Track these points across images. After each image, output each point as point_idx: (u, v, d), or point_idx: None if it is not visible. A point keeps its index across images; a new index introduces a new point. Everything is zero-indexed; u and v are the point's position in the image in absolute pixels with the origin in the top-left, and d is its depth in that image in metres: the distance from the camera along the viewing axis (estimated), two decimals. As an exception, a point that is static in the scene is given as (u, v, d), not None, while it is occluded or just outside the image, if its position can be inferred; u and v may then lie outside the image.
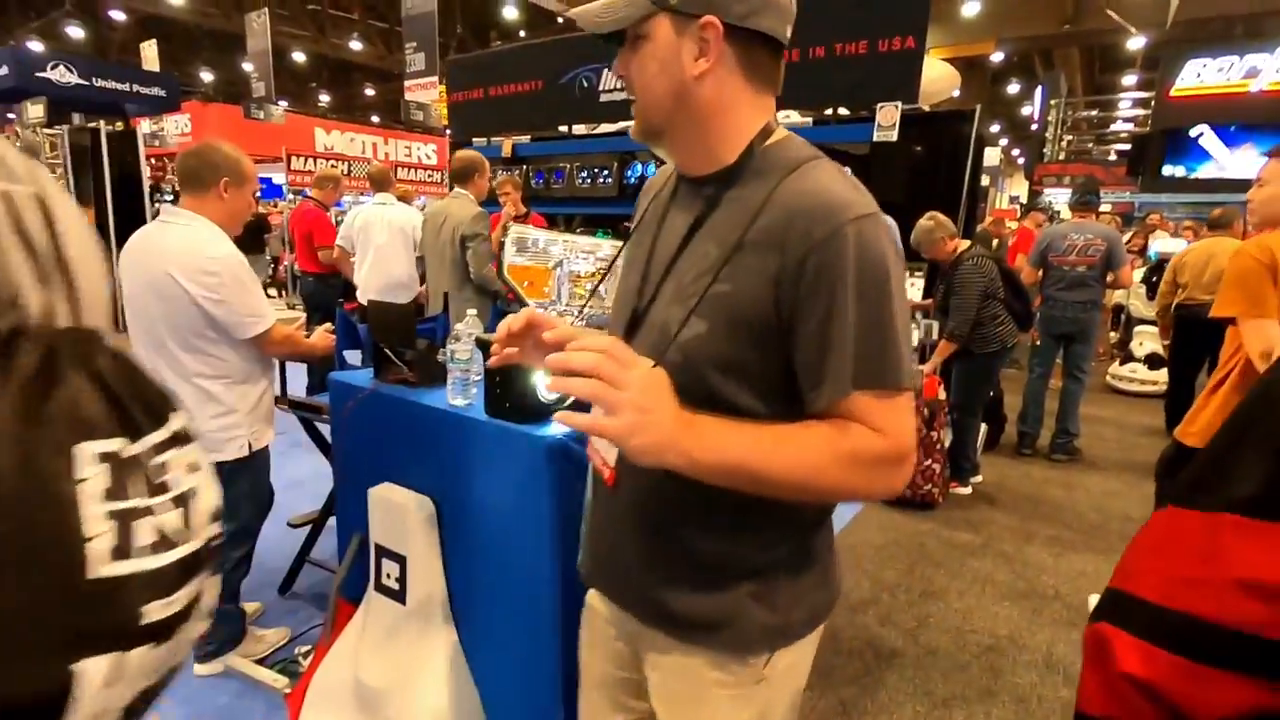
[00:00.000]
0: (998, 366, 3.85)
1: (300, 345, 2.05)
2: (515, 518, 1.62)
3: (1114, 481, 4.10)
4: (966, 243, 3.72)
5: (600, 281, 2.11)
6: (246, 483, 1.99)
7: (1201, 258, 4.36)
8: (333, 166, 9.45)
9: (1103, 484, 4.06)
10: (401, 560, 1.76)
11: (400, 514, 1.75)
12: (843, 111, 5.17)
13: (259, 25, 13.05)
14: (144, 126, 13.81)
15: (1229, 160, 9.49)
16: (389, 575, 1.80)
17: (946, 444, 3.72)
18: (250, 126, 13.64)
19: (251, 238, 8.80)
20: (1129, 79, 17.98)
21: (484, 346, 0.88)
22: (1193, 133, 9.48)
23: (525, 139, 6.86)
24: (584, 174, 6.10)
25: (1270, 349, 1.76)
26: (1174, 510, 0.53)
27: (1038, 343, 4.45)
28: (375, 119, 21.00)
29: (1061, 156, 11.95)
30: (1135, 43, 14.76)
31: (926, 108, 8.50)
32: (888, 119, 4.88)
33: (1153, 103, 10.29)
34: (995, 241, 7.79)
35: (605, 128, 6.63)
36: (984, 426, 4.44)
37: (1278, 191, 1.97)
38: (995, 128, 27.16)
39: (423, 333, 2.02)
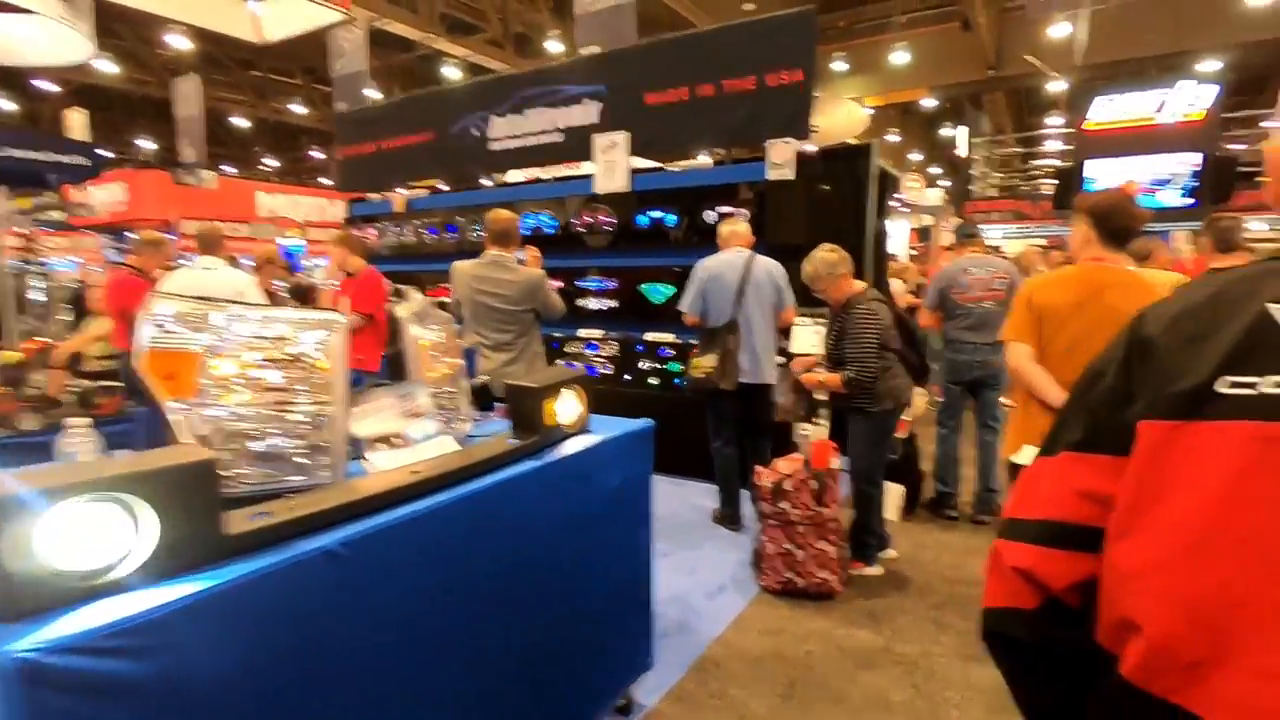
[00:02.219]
0: (894, 425, 3.30)
1: None
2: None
3: (1043, 546, 3.54)
4: (862, 285, 3.18)
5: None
6: None
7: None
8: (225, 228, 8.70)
9: (1031, 550, 3.50)
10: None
11: None
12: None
13: (188, 90, 12.61)
14: (71, 195, 13.23)
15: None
16: None
17: (842, 518, 3.13)
18: (184, 192, 13.23)
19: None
20: (1055, 120, 18.32)
21: None
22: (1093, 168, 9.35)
23: (424, 193, 6.36)
24: (477, 227, 5.57)
25: (1016, 367, 2.24)
26: (1040, 459, 0.76)
27: (939, 398, 3.95)
28: (327, 181, 20.56)
29: (993, 193, 11.84)
30: (1057, 86, 14.99)
31: (854, 141, 8.21)
32: (780, 156, 4.45)
33: (1072, 137, 10.23)
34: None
35: (515, 176, 6.16)
36: (900, 488, 3.89)
37: (1073, 234, 2.26)
38: (937, 170, 27.61)
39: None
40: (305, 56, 16.10)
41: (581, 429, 2.04)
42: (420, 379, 1.80)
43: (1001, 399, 3.83)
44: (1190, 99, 8.92)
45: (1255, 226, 10.95)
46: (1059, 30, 12.69)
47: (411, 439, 1.69)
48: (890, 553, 3.41)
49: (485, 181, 6.13)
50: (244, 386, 1.49)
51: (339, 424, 1.55)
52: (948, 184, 24.80)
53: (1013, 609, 0.71)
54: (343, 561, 1.28)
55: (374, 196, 6.40)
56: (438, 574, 1.51)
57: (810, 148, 4.73)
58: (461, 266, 3.31)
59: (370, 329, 4.04)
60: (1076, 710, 0.69)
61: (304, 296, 5.27)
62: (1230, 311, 0.62)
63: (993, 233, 10.99)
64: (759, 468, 3.11)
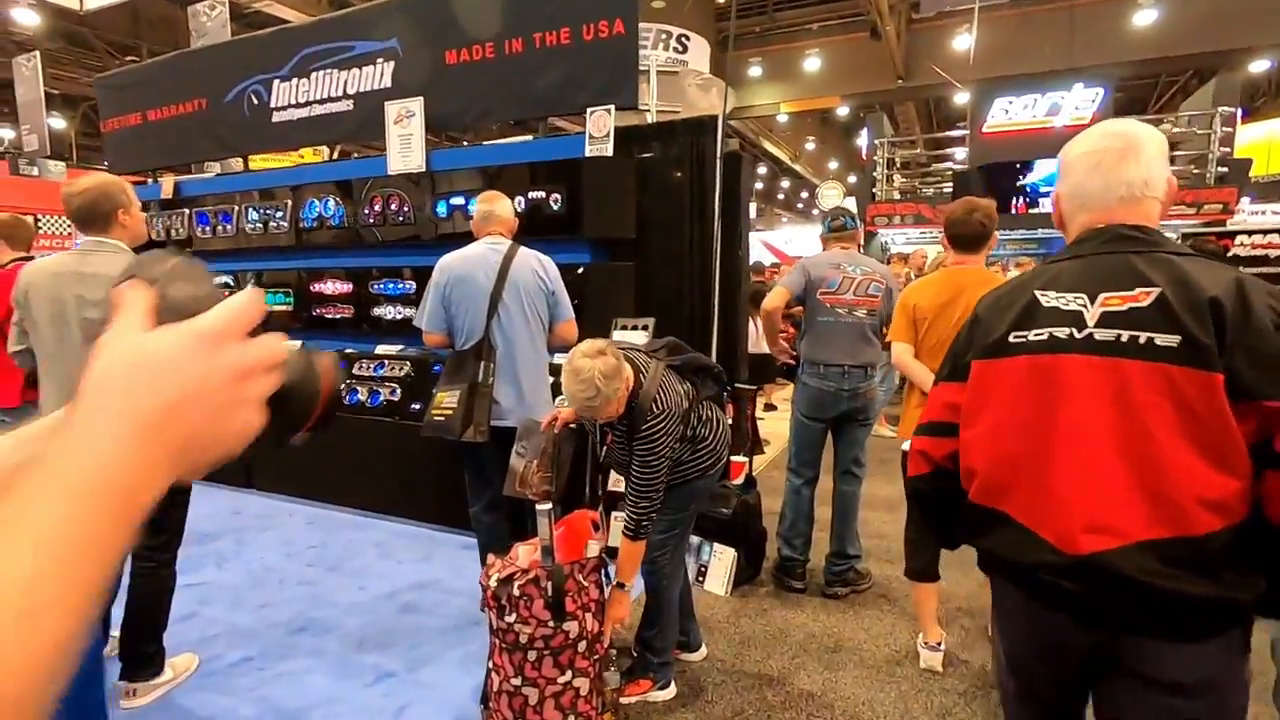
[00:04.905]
0: (716, 483, 2.29)
1: None
2: None
3: (905, 631, 2.60)
4: (629, 367, 1.90)
5: None
6: None
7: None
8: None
9: (889, 640, 2.55)
10: None
11: None
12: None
13: (29, 71, 10.73)
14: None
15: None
16: None
17: (606, 624, 2.08)
18: (28, 185, 11.43)
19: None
20: (961, 128, 18.12)
21: None
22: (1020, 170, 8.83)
23: (207, 175, 5.08)
24: (253, 216, 4.34)
25: (899, 363, 2.44)
26: (933, 387, 1.29)
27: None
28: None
29: (897, 196, 11.22)
30: (963, 97, 14.70)
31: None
32: (599, 127, 3.40)
33: (968, 140, 9.73)
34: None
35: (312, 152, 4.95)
36: (731, 553, 2.90)
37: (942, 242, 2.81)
38: (853, 178, 27.37)
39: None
40: (187, 39, 14.30)
41: None
42: None
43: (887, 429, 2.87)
44: (1079, 102, 8.47)
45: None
46: (961, 42, 12.31)
47: None
48: (699, 655, 2.41)
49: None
50: None
51: None
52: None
53: (920, 474, 1.25)
54: None
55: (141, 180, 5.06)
56: None
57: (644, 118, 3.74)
58: (38, 270, 2.08)
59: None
60: (952, 526, 1.23)
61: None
62: (1019, 295, 1.13)
63: (897, 237, 10.38)
64: (491, 555, 2.05)
